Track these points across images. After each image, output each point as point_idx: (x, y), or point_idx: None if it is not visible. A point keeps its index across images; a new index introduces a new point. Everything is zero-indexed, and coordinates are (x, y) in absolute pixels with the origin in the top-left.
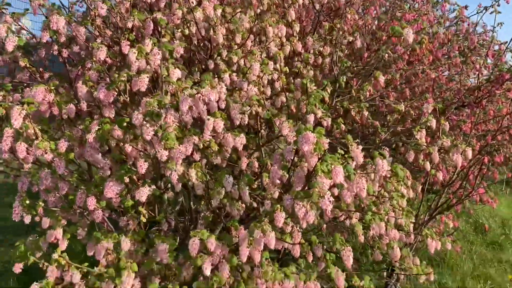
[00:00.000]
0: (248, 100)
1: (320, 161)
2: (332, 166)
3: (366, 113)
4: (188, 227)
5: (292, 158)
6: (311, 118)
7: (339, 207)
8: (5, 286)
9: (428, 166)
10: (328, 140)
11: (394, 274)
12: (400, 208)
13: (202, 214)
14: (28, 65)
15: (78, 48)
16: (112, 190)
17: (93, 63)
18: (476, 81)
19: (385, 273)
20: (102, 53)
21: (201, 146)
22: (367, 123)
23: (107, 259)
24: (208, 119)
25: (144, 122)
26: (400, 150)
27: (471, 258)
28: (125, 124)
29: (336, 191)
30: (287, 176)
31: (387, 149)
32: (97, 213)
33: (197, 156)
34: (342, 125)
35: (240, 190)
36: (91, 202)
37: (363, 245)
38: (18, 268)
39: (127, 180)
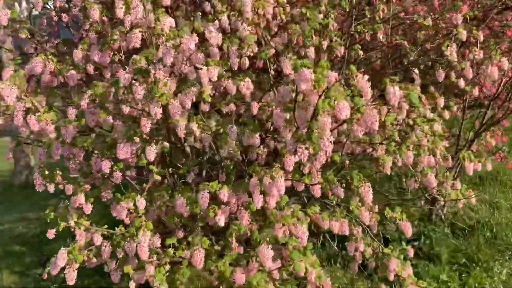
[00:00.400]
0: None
1: (322, 98)
2: (336, 101)
3: (380, 35)
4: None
5: (293, 98)
6: (310, 51)
7: (363, 140)
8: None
9: (462, 83)
10: (336, 74)
11: (437, 201)
12: (431, 133)
13: (223, 163)
14: (29, 36)
15: (78, 10)
16: (123, 151)
17: (90, 24)
18: None
19: (422, 201)
20: (95, 13)
21: (194, 99)
22: (396, 44)
23: (130, 218)
24: (201, 69)
25: (134, 81)
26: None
27: None
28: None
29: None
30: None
31: (416, 71)
32: (115, 175)
33: (206, 107)
34: (360, 51)
35: (247, 138)
36: (106, 166)
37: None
38: (51, 234)
39: (137, 139)
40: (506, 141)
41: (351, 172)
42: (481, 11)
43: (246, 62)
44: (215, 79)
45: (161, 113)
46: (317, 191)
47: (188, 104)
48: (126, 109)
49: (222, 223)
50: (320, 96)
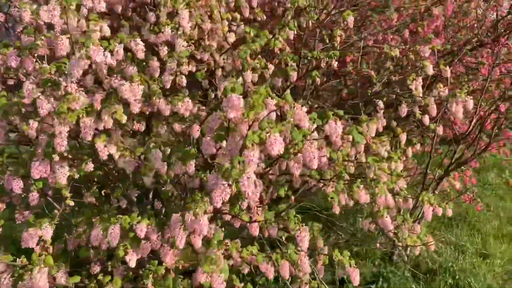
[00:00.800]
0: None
1: (252, 128)
2: (268, 134)
3: (335, 63)
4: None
5: (226, 125)
6: (247, 76)
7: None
8: None
9: (426, 120)
10: (274, 101)
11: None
12: (388, 172)
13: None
14: None
15: (17, 11)
16: (38, 170)
17: (25, 27)
18: (495, 15)
19: (378, 244)
20: (26, 14)
21: (111, 118)
22: (361, 73)
23: (41, 247)
24: (123, 84)
25: (39, 94)
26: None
27: (497, 215)
28: None
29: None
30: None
31: (380, 105)
32: (32, 196)
33: (140, 126)
34: (318, 78)
35: (176, 164)
36: (16, 185)
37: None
38: None
39: (57, 158)
40: (475, 182)
41: (289, 212)
42: (456, 46)
43: (183, 81)
44: (139, 96)
45: (66, 131)
46: (255, 229)
47: (109, 123)
48: (34, 124)
49: (133, 264)
50: (250, 126)
